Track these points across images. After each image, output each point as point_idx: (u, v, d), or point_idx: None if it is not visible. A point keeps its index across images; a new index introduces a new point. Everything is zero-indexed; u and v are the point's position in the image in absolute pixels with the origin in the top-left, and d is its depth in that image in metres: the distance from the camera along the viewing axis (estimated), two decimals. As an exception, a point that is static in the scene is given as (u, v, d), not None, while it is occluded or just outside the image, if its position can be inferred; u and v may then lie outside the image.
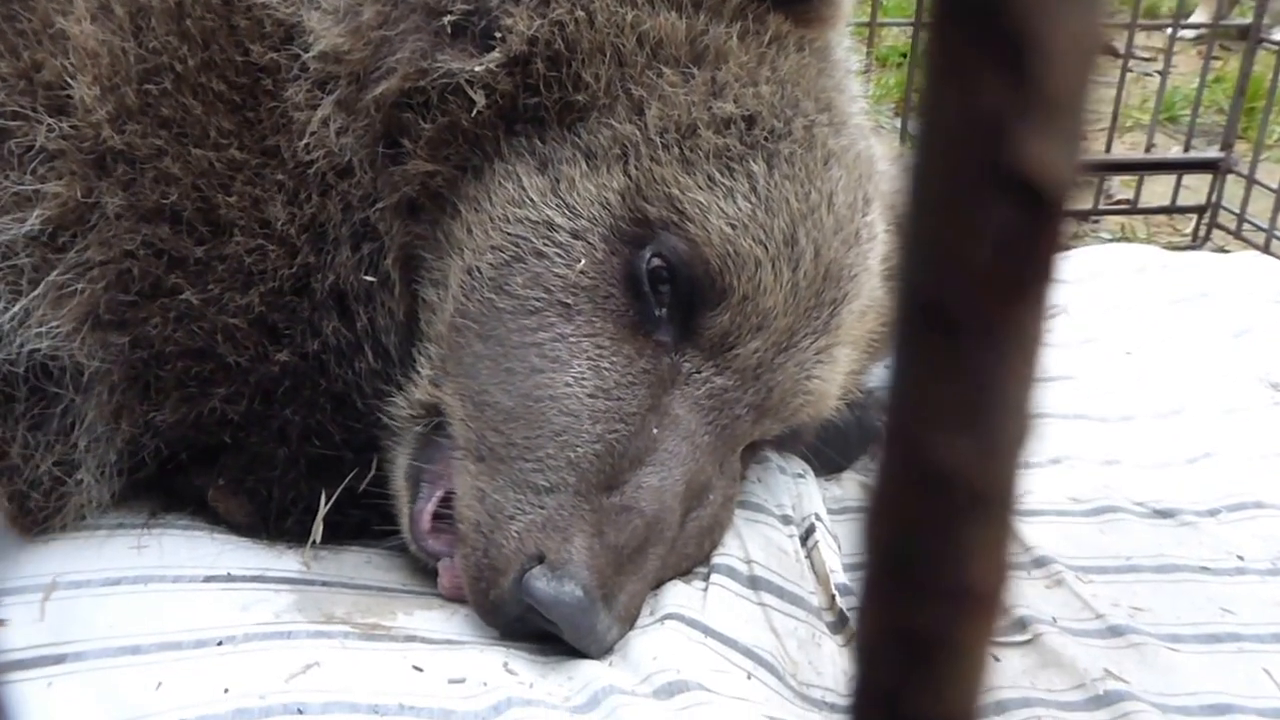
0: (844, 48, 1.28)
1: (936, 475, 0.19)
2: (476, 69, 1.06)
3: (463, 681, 0.95)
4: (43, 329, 1.04)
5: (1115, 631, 1.22)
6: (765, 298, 1.07)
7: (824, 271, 1.11)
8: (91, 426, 1.09)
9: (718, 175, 1.06)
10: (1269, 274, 2.13)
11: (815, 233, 1.09)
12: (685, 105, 1.06)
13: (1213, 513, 1.46)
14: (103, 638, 0.98)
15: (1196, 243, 2.62)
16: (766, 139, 1.09)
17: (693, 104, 1.07)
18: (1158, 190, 2.76)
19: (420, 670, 0.96)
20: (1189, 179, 2.69)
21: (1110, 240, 2.64)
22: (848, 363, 1.20)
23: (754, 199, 1.07)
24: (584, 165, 1.07)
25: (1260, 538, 1.41)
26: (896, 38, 3.78)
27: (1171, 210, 2.69)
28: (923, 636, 0.19)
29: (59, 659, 0.95)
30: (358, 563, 1.15)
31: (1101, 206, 2.66)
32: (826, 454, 1.41)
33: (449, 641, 1.02)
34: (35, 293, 1.03)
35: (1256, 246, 2.39)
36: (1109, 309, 1.99)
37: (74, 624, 0.99)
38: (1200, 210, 2.66)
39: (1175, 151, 2.94)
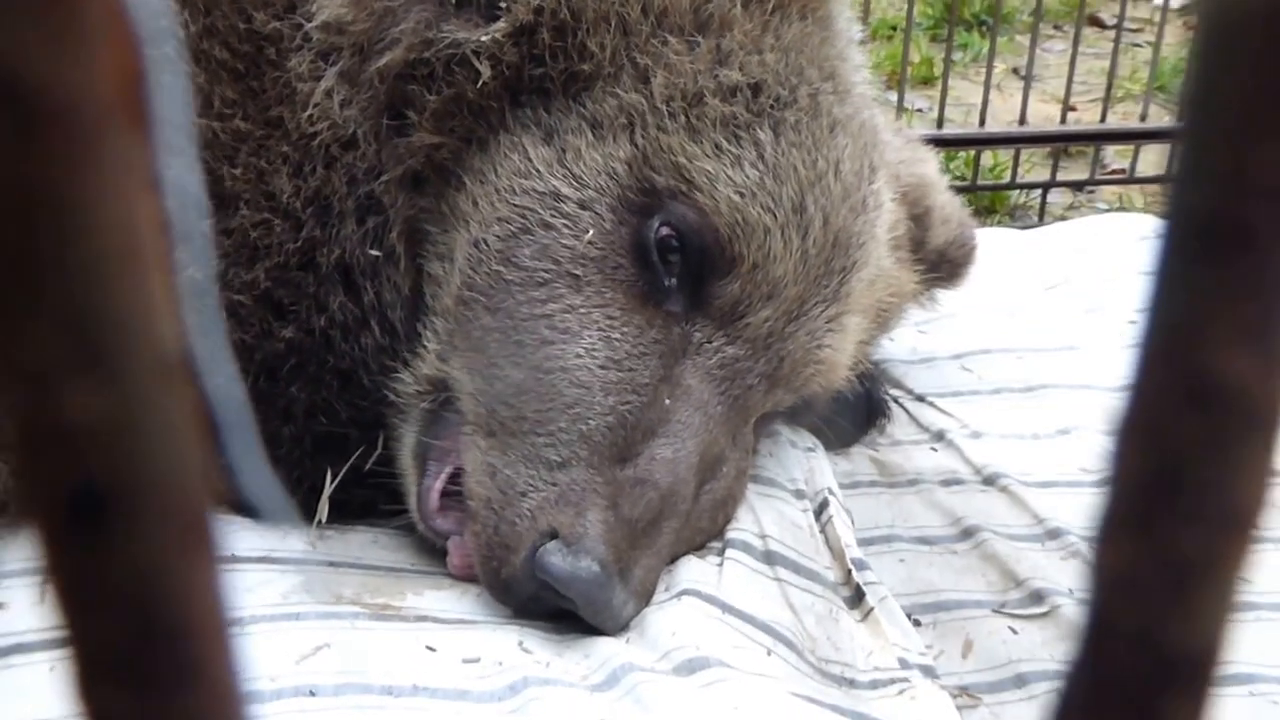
0: (845, 18, 1.26)
1: (1213, 394, 0.18)
2: (482, 39, 1.04)
3: (477, 661, 0.94)
4: None
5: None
6: (775, 265, 1.05)
7: (833, 239, 1.09)
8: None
9: (725, 143, 1.04)
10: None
11: (823, 200, 1.07)
12: (691, 73, 1.04)
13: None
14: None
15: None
16: (772, 106, 1.07)
17: (698, 72, 1.05)
18: (1152, 160, 2.75)
19: (433, 650, 0.94)
20: (1184, 149, 2.68)
21: (1107, 210, 2.63)
22: (858, 331, 1.18)
23: (761, 166, 1.05)
24: (590, 135, 1.05)
25: (1276, 508, 1.40)
26: (885, 10, 3.76)
27: (1167, 179, 2.68)
28: (1184, 563, 0.18)
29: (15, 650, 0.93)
30: (365, 542, 1.12)
31: (1098, 177, 2.64)
32: (837, 428, 1.40)
33: (462, 621, 1.00)
34: None
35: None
36: (1109, 278, 1.97)
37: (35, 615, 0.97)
38: (1197, 180, 2.65)
39: (1169, 121, 2.92)
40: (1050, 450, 1.49)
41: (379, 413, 1.12)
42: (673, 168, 1.04)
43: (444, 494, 1.07)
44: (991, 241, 2.07)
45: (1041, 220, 2.54)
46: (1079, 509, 1.35)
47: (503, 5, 1.04)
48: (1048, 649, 1.15)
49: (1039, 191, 2.63)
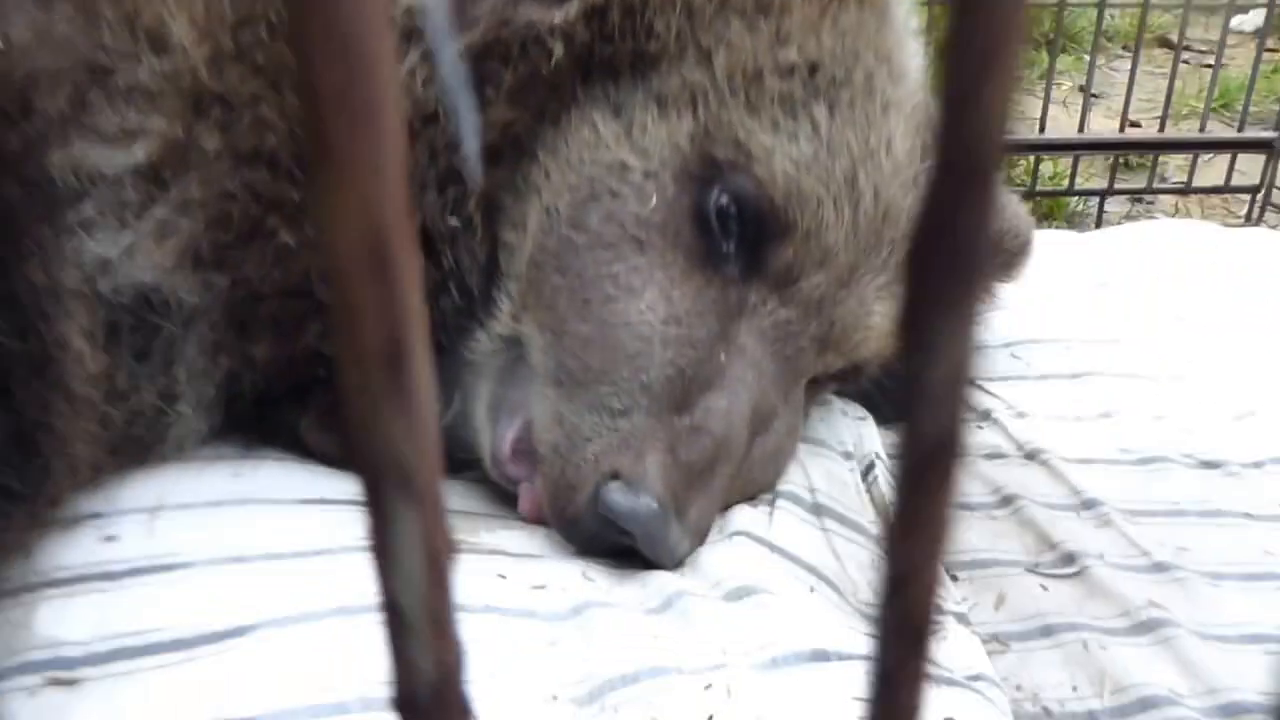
0: (903, 8, 1.33)
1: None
2: (556, 20, 1.12)
3: (544, 588, 1.02)
4: (147, 262, 1.11)
5: (1159, 568, 1.27)
6: (827, 234, 1.13)
7: (883, 212, 1.16)
8: (192, 360, 1.16)
9: (782, 119, 1.12)
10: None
11: (875, 175, 1.15)
12: (751, 52, 1.12)
13: (1258, 465, 1.50)
14: (208, 549, 1.05)
15: (1250, 222, 2.65)
16: (828, 86, 1.15)
17: (758, 51, 1.13)
18: (1211, 175, 2.79)
19: (504, 578, 1.02)
20: (1243, 162, 2.71)
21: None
22: (905, 302, 1.25)
23: (816, 141, 1.12)
24: (655, 110, 1.14)
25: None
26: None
27: (1225, 190, 2.72)
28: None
29: (168, 568, 1.02)
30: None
31: (1156, 186, 2.69)
32: (888, 403, 1.46)
33: (530, 555, 1.08)
34: (141, 226, 1.10)
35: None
36: (1158, 279, 2.03)
37: (180, 539, 1.06)
38: (1254, 190, 2.68)
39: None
40: (1091, 431, 1.55)
41: (457, 371, 1.21)
42: (732, 141, 1.12)
43: (515, 444, 1.16)
44: (1047, 241, 2.13)
45: (1099, 224, 2.60)
46: (1114, 484, 1.42)
47: (572, -15, 1.13)
48: (1075, 604, 1.21)
49: (1096, 200, 2.69)
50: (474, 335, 1.19)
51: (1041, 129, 2.52)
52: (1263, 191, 2.60)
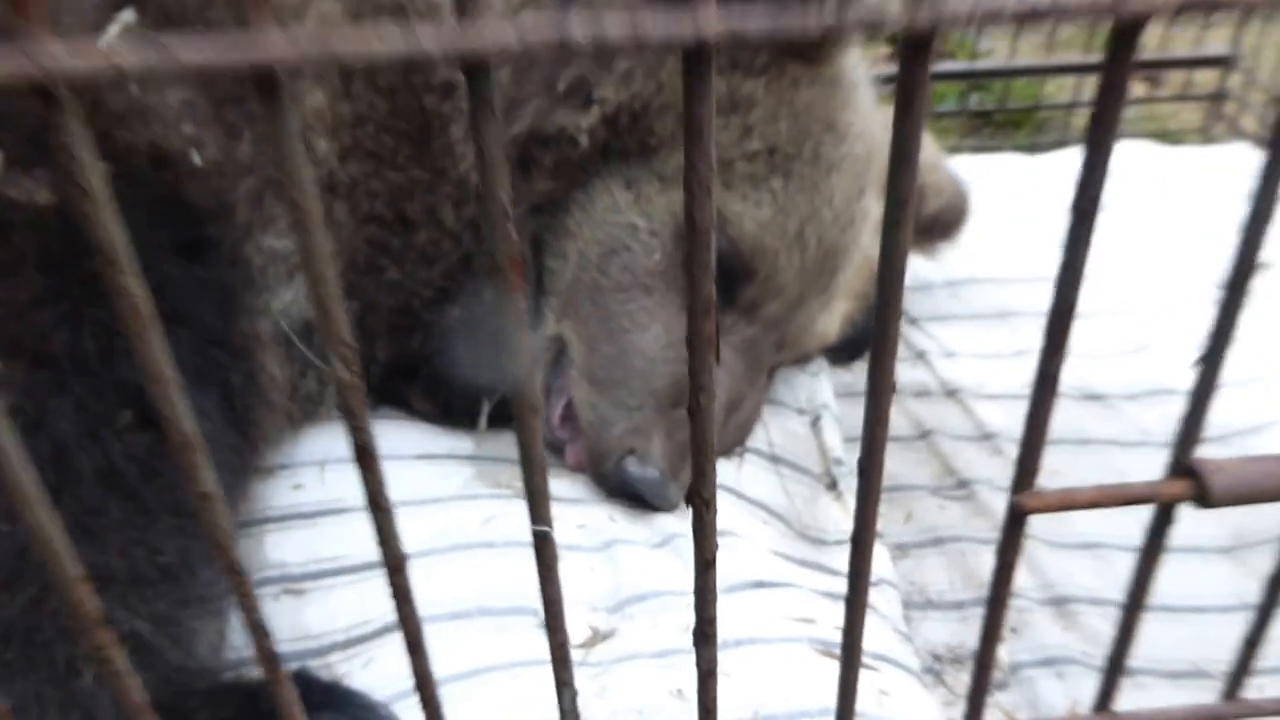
0: (852, 67, 1.71)
1: None
2: (581, 122, 1.54)
3: (584, 527, 1.52)
4: (304, 302, 1.58)
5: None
6: (781, 275, 1.58)
7: (825, 252, 1.61)
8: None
9: (749, 192, 1.55)
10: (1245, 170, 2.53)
11: (819, 227, 1.59)
12: (725, 144, 1.54)
13: (1133, 397, 1.94)
14: (361, 497, 1.55)
15: (1204, 135, 2.98)
16: (784, 161, 1.57)
17: (730, 144, 1.55)
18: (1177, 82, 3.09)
19: (559, 519, 1.51)
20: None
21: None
22: (842, 309, 1.72)
23: (774, 206, 1.56)
24: (657, 184, 1.57)
25: (1165, 418, 1.89)
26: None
27: (1185, 99, 3.05)
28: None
29: (339, 510, 1.53)
30: (509, 444, 1.70)
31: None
32: (840, 350, 1.93)
33: (575, 500, 1.58)
34: (297, 282, 1.57)
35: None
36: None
37: (342, 487, 1.56)
38: (1212, 98, 3.01)
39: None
40: (1004, 368, 1.99)
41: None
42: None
43: (562, 415, 1.64)
44: (1001, 169, 2.52)
45: (1065, 136, 2.95)
46: (1010, 417, 1.88)
47: (595, 99, 1.55)
48: (962, 520, 1.69)
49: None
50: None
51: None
52: (1214, 104, 2.94)
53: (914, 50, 0.47)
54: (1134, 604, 0.70)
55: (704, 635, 0.71)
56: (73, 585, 0.60)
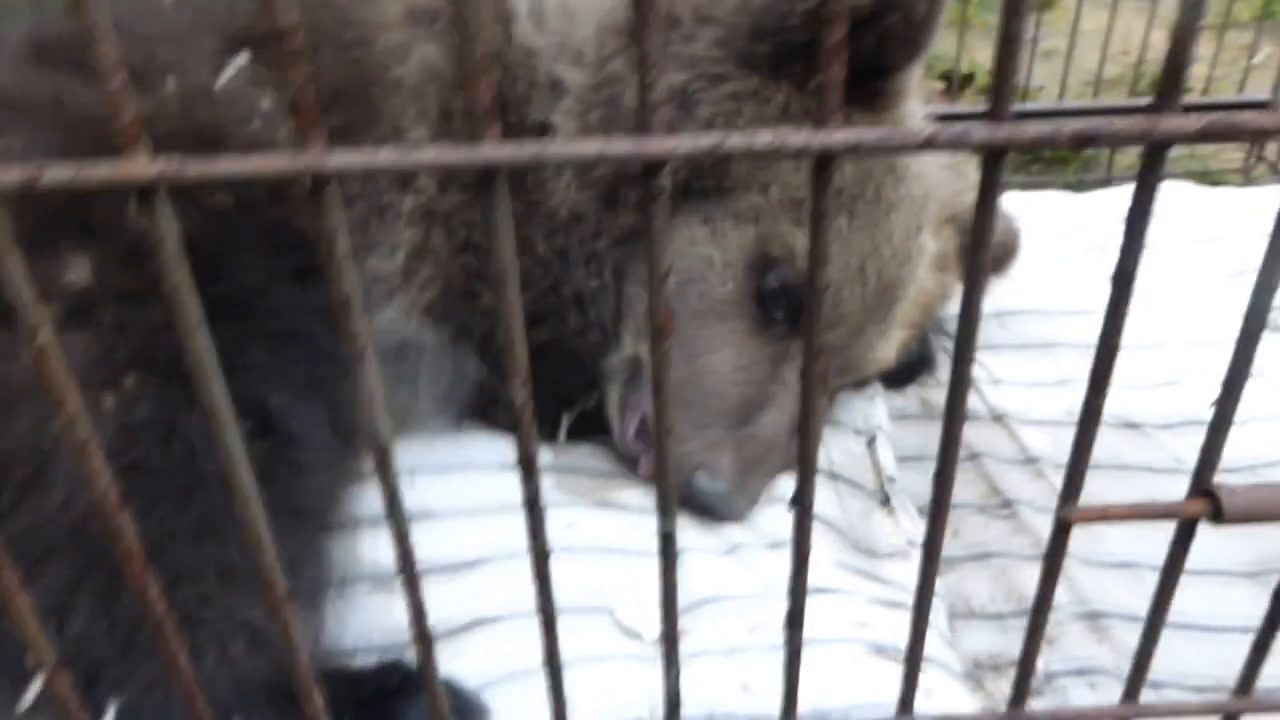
0: (913, 109, 1.84)
1: None
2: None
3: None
4: (404, 323, 1.73)
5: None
6: (844, 305, 1.71)
7: (884, 285, 1.73)
8: (429, 374, 1.79)
9: None
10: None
11: (878, 262, 1.71)
12: (795, 185, 1.67)
13: (1169, 427, 2.06)
14: (448, 502, 1.69)
15: (1244, 175, 3.09)
16: (849, 201, 1.69)
17: (799, 184, 1.68)
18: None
19: (633, 527, 1.66)
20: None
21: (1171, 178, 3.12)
22: (899, 337, 1.85)
23: (839, 243, 1.69)
24: (731, 221, 1.70)
25: (1196, 447, 2.00)
26: None
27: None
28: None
29: (428, 515, 1.66)
30: (586, 455, 1.83)
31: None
32: (895, 375, 2.06)
33: (647, 510, 1.71)
34: (399, 301, 1.71)
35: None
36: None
37: (430, 494, 1.70)
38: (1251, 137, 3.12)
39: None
40: (1048, 397, 2.11)
41: (596, 380, 1.82)
42: (783, 244, 1.68)
43: (636, 430, 1.78)
44: (1044, 207, 2.65)
45: (1109, 174, 3.07)
46: (1054, 443, 2.01)
47: (678, 144, 1.69)
48: (1005, 538, 1.82)
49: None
50: (608, 357, 1.81)
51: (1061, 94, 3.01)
52: (1255, 146, 3.04)
53: (994, 159, 0.60)
54: (1159, 607, 0.82)
55: (795, 621, 0.84)
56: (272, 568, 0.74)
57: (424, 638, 0.82)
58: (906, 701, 0.95)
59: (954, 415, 0.73)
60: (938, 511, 0.79)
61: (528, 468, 0.75)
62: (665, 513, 0.79)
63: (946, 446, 0.75)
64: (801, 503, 0.77)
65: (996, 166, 0.61)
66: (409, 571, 0.77)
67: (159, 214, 0.52)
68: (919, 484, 1.92)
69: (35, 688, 1.21)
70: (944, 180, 1.98)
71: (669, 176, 0.61)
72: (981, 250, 0.66)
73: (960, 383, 0.71)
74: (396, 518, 0.77)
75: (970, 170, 2.17)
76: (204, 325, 0.59)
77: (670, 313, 0.67)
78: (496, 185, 0.58)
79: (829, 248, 0.67)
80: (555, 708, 0.89)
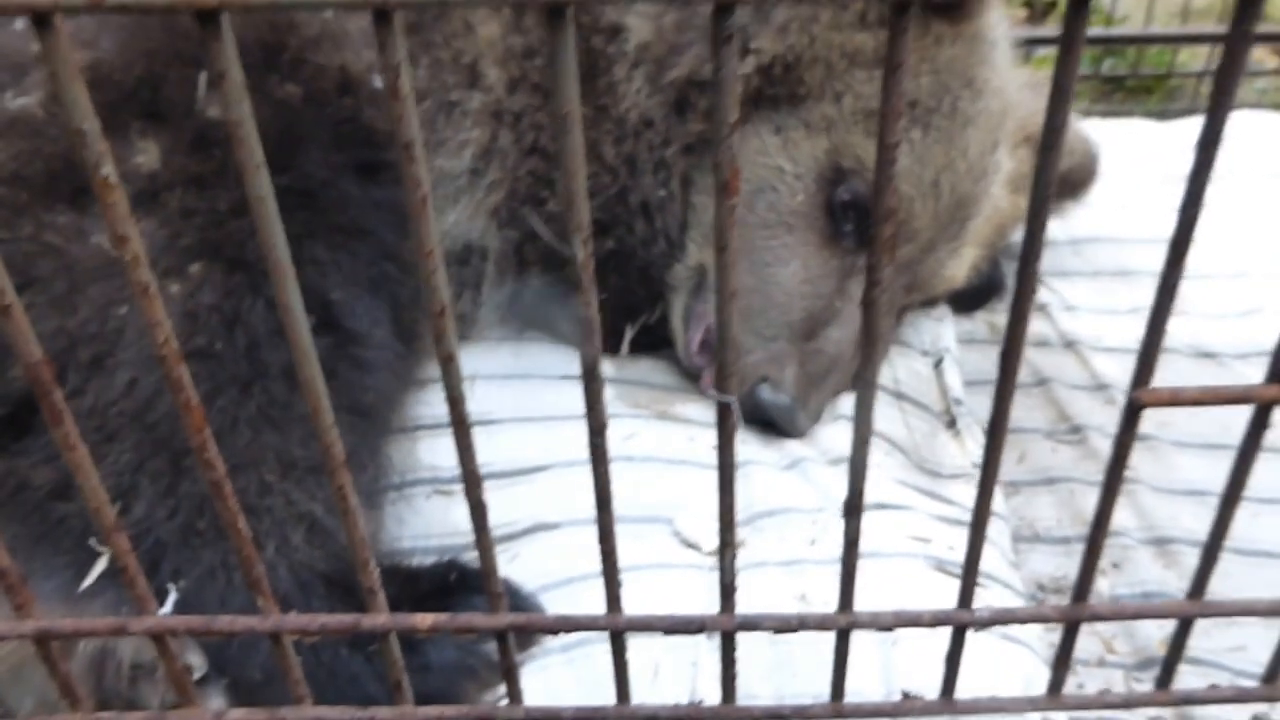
0: (992, 25, 1.79)
1: None
2: (737, 70, 1.65)
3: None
4: (469, 225, 1.71)
5: (1141, 437, 1.80)
6: (915, 220, 1.67)
7: (957, 201, 1.69)
8: (492, 281, 1.78)
9: None
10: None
11: (952, 178, 1.67)
12: (869, 96, 1.63)
13: (1244, 356, 2.01)
14: (508, 410, 1.69)
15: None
16: (923, 114, 1.66)
17: (873, 95, 1.64)
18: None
19: (693, 440, 1.65)
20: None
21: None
22: (970, 256, 1.80)
23: (912, 156, 1.65)
24: (803, 131, 1.67)
25: (1275, 376, 1.96)
26: None
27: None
28: None
29: (488, 422, 1.66)
30: (648, 369, 1.82)
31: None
32: (964, 298, 2.03)
33: (708, 424, 1.70)
34: (466, 202, 1.70)
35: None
36: (1221, 176, 2.46)
37: (490, 402, 1.70)
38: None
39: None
40: (1121, 324, 2.07)
41: (661, 290, 1.80)
42: (854, 157, 1.65)
43: (700, 342, 1.76)
44: (1125, 135, 2.57)
45: (1195, 105, 2.97)
46: (1126, 370, 1.95)
47: (752, 49, 1.65)
48: (1073, 463, 1.79)
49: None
50: (672, 267, 1.78)
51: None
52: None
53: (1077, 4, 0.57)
54: (1232, 495, 0.79)
55: (854, 507, 0.83)
56: (332, 443, 0.74)
57: (484, 539, 0.82)
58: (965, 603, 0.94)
59: (1018, 323, 0.71)
60: (998, 417, 0.77)
61: (589, 335, 0.73)
62: (723, 381, 0.77)
63: (1007, 356, 0.73)
64: (864, 377, 0.75)
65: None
66: (471, 477, 0.77)
67: (223, 39, 0.50)
68: (985, 408, 1.88)
69: (100, 566, 1.25)
70: (1023, 99, 1.93)
71: (738, 21, 0.59)
72: (1060, 110, 0.63)
73: (1026, 283, 0.69)
74: (460, 427, 0.76)
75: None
76: (265, 167, 0.58)
77: (737, 170, 0.65)
78: (565, 23, 0.56)
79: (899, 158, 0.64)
80: (610, 608, 0.89)
